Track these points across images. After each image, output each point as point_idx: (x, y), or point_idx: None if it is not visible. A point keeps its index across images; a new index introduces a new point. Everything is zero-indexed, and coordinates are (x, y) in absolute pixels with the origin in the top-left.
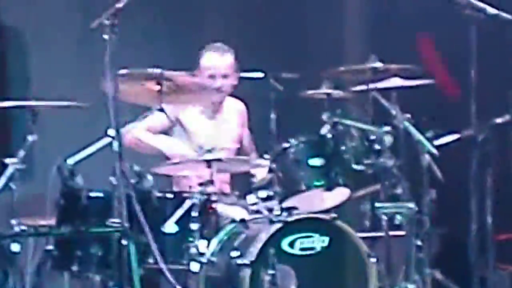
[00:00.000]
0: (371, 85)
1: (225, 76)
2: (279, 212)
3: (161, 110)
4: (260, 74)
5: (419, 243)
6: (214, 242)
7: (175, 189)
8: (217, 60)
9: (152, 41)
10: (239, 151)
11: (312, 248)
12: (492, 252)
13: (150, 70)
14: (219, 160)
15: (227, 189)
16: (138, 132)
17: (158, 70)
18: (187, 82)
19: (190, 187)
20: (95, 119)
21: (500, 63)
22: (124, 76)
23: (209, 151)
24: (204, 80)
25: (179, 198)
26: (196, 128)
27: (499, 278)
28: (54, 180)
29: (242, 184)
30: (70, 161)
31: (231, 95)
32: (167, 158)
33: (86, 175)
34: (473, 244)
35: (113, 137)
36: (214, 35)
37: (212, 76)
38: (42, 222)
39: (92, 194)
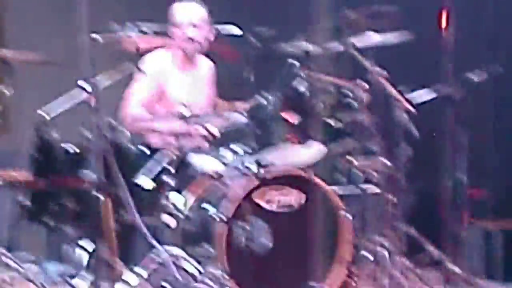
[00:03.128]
0: (347, 41)
1: (195, 26)
2: (253, 166)
3: (138, 68)
4: (238, 30)
5: (392, 198)
6: (188, 195)
7: (149, 142)
8: (185, 8)
9: None
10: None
11: (287, 205)
12: (465, 208)
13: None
14: (195, 116)
15: (202, 142)
16: (135, 109)
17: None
18: None
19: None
20: (71, 71)
21: (478, 22)
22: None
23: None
24: (176, 31)
25: (154, 152)
26: (178, 92)
27: (471, 233)
28: (29, 133)
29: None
30: (44, 113)
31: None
32: None
33: (60, 128)
34: (446, 200)
35: (87, 90)
36: None
37: (181, 26)
38: (17, 175)
39: (67, 148)
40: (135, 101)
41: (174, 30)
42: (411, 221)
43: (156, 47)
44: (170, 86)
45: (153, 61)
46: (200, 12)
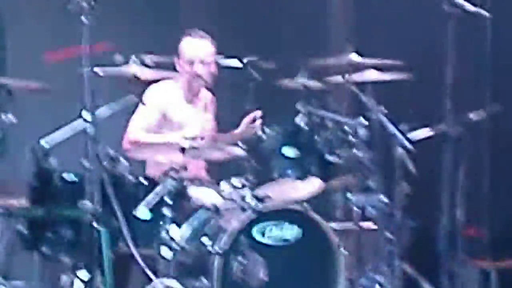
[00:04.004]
0: (347, 77)
1: (203, 62)
2: (251, 200)
3: (141, 100)
4: (238, 63)
5: (389, 235)
6: (186, 228)
7: (149, 174)
8: (196, 45)
9: (131, 26)
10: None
11: (283, 238)
12: (461, 247)
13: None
14: (193, 147)
15: (202, 175)
16: (136, 134)
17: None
18: None
19: (164, 173)
20: (71, 101)
21: (476, 59)
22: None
23: (187, 138)
24: (184, 65)
25: (152, 183)
26: (181, 118)
27: (467, 272)
28: (27, 161)
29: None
30: (44, 142)
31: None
32: None
33: (60, 157)
34: (442, 238)
35: (87, 120)
36: (192, 21)
37: (190, 62)
38: (14, 202)
39: (65, 176)
40: (138, 126)
41: (182, 64)
42: (407, 258)
43: (161, 79)
44: (174, 113)
45: (157, 92)
46: (210, 50)
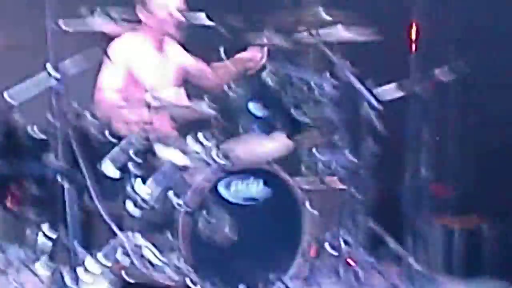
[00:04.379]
0: (315, 34)
1: (171, 15)
2: (217, 156)
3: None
4: (206, 19)
5: (355, 193)
6: (152, 183)
7: (115, 130)
8: None
9: None
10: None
11: (248, 195)
12: (426, 205)
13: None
14: (162, 105)
15: (169, 131)
16: (107, 95)
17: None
18: None
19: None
20: (36, 56)
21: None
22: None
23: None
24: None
25: (119, 140)
26: (146, 73)
27: (432, 230)
28: None
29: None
30: (8, 96)
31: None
32: None
33: (25, 112)
34: (407, 196)
35: (52, 74)
36: None
37: (164, 7)
38: None
39: (31, 131)
40: (109, 87)
41: (149, 11)
42: (373, 216)
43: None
44: (140, 71)
45: (121, 47)
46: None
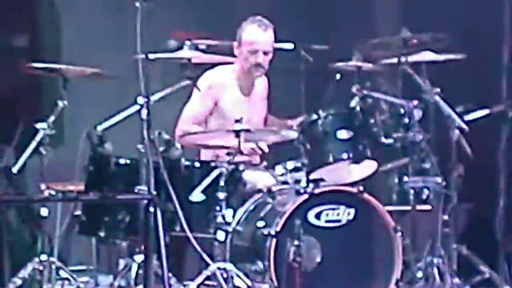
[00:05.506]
0: (402, 58)
1: (265, 53)
2: (305, 184)
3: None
4: (290, 45)
5: (445, 218)
6: (241, 211)
7: (203, 158)
8: (261, 36)
9: (186, 10)
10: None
11: (338, 221)
12: None
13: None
14: (247, 130)
15: (257, 159)
16: (184, 125)
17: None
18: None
19: (217, 157)
20: (125, 87)
21: None
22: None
23: (238, 121)
24: (245, 53)
25: (207, 167)
26: (233, 109)
27: None
28: (83, 146)
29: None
30: (100, 128)
31: None
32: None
33: (116, 143)
34: (500, 219)
35: (142, 105)
36: (245, 6)
37: (253, 52)
38: (71, 188)
39: (121, 161)
40: (189, 117)
41: (243, 52)
42: (464, 240)
43: (214, 65)
44: (226, 102)
45: (211, 77)
46: (272, 39)
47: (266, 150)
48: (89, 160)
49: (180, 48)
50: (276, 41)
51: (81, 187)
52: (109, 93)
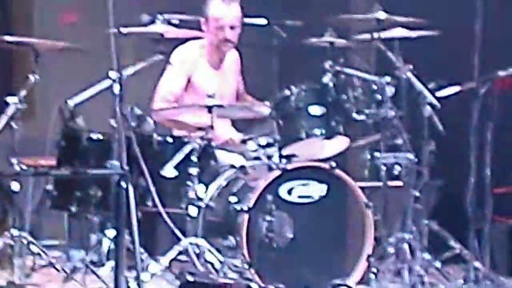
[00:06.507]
0: (375, 35)
1: (232, 27)
2: (278, 159)
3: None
4: (263, 21)
5: (417, 194)
6: (213, 187)
7: (175, 134)
8: (225, 11)
9: None
10: (238, 99)
11: (310, 197)
12: (489, 205)
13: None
14: (220, 106)
15: (229, 135)
16: (162, 103)
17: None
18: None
19: (190, 132)
20: (97, 61)
21: (505, 17)
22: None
23: (210, 96)
24: (212, 29)
25: (179, 143)
26: (205, 84)
27: (496, 231)
28: (55, 121)
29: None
30: (72, 102)
31: None
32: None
33: (87, 117)
34: (470, 196)
35: (114, 80)
36: None
37: (220, 27)
38: (42, 162)
39: (93, 136)
40: (166, 94)
41: (210, 27)
42: (434, 216)
43: (186, 39)
44: (198, 78)
45: (183, 53)
46: (239, 14)
47: (238, 140)
48: (60, 135)
49: (152, 22)
50: (247, 15)
51: (53, 162)
52: (81, 68)
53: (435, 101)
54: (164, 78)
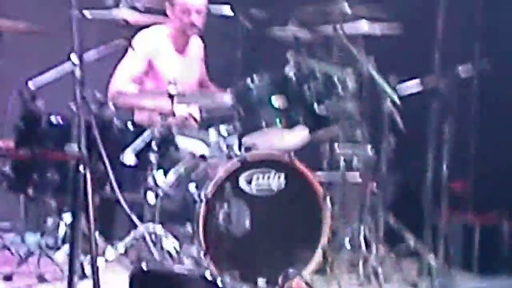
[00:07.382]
0: (338, 28)
1: (198, 12)
2: (237, 149)
3: (130, 45)
4: (229, 10)
5: (374, 187)
6: (172, 174)
7: (136, 120)
8: None
9: None
10: (201, 85)
11: (268, 189)
12: (445, 200)
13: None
14: (182, 94)
15: (190, 122)
16: (121, 85)
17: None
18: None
19: (150, 116)
20: (59, 44)
21: (465, 14)
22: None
23: (171, 83)
24: (177, 13)
25: (140, 129)
26: (167, 68)
27: (451, 226)
28: (14, 103)
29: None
30: (32, 84)
31: None
32: None
33: (47, 100)
34: (427, 192)
35: (75, 63)
36: None
37: (186, 11)
38: (0, 144)
39: (52, 119)
40: (125, 77)
41: (176, 12)
42: (391, 210)
43: (150, 24)
44: (161, 63)
45: (145, 36)
46: None
47: (198, 117)
48: (20, 117)
49: (116, 5)
50: (212, 2)
51: (11, 144)
52: (42, 50)
53: (395, 98)
54: (124, 60)
